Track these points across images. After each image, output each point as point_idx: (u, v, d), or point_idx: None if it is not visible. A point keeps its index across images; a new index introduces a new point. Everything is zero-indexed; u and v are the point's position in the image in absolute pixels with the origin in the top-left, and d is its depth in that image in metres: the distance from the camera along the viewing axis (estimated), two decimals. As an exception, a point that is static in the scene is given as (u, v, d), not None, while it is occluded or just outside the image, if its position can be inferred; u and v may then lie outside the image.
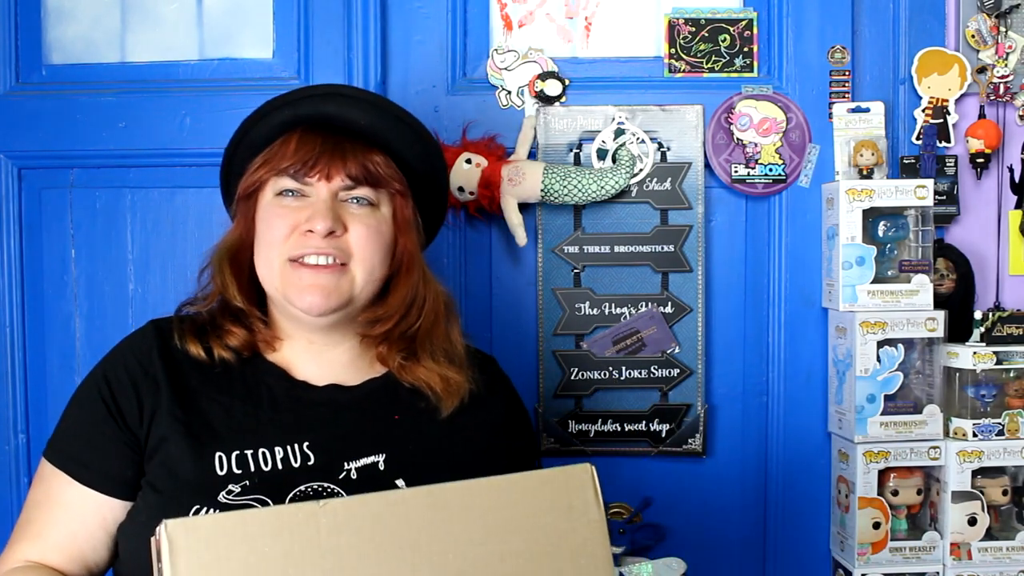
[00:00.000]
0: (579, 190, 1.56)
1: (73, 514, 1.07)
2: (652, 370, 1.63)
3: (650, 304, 1.63)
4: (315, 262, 1.09)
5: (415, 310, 1.17)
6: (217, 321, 1.15)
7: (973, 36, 1.63)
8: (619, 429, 1.64)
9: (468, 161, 1.57)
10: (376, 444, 1.11)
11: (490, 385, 1.23)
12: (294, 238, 1.09)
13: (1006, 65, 1.62)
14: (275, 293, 1.12)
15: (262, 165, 1.13)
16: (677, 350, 1.63)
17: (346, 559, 0.81)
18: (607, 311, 1.63)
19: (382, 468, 1.09)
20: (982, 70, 1.63)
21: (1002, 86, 1.63)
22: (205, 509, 1.01)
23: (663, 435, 1.64)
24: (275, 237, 1.10)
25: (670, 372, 1.63)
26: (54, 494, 1.08)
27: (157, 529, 0.79)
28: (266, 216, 1.12)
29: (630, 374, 1.63)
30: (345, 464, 1.08)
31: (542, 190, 1.56)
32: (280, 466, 1.06)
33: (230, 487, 1.03)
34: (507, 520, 0.86)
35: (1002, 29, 1.63)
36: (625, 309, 1.63)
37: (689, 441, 1.64)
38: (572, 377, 1.63)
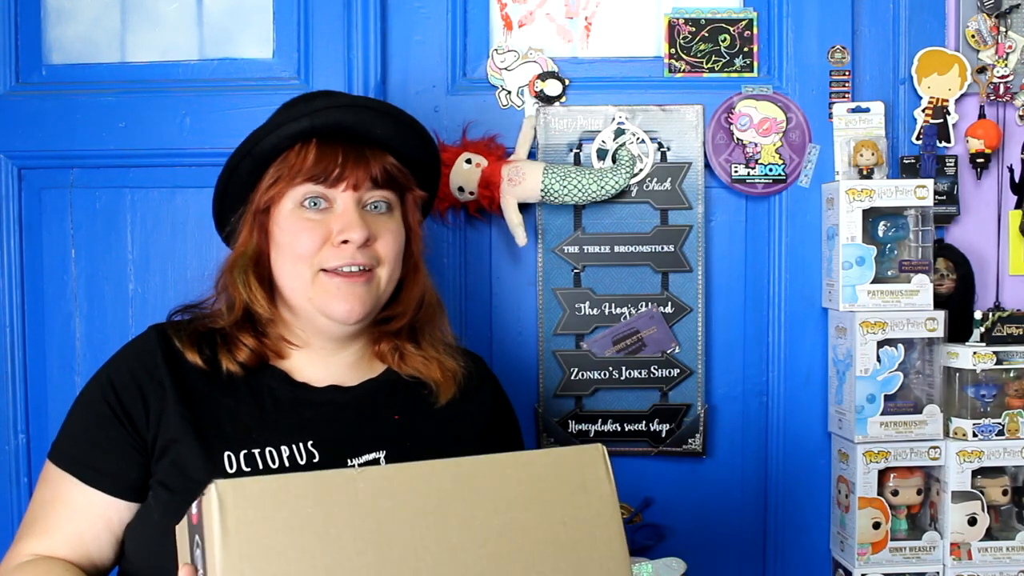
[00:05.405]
0: (579, 190, 1.56)
1: (80, 515, 1.09)
2: (652, 370, 1.63)
3: (650, 304, 1.63)
4: (349, 271, 1.12)
5: (423, 305, 1.23)
6: (229, 333, 1.16)
7: (973, 36, 1.63)
8: (619, 429, 1.64)
9: (468, 161, 1.57)
10: (376, 441, 1.14)
11: (480, 380, 1.29)
12: (327, 250, 1.11)
13: (1006, 65, 1.62)
14: (305, 304, 1.14)
15: (285, 174, 1.12)
16: (677, 350, 1.63)
17: (383, 521, 0.86)
18: (607, 311, 1.63)
19: (383, 464, 1.11)
20: (982, 70, 1.63)
21: (1002, 86, 1.63)
22: None
23: (663, 435, 1.64)
24: (305, 249, 1.12)
25: (670, 372, 1.63)
26: (61, 495, 1.09)
27: (197, 501, 0.83)
28: (290, 228, 1.12)
29: (630, 374, 1.63)
30: (348, 461, 1.10)
31: (542, 190, 1.56)
32: (287, 464, 1.08)
33: None
34: (527, 492, 0.93)
35: (1002, 29, 1.62)
36: (625, 309, 1.63)
37: (689, 441, 1.64)
38: (572, 377, 1.63)
